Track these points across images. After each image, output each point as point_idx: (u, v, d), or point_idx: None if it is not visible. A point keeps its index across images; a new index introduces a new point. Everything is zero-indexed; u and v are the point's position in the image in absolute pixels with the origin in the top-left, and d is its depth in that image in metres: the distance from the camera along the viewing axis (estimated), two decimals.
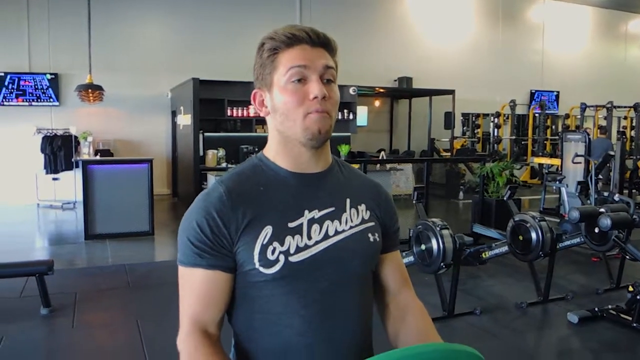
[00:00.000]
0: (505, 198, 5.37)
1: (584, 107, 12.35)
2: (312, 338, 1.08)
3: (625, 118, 13.52)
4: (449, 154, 12.17)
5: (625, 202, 4.64)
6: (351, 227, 1.13)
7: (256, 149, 9.09)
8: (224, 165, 8.95)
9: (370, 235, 1.15)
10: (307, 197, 1.11)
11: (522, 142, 14.05)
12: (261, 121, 9.51)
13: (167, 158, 10.73)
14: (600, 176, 6.65)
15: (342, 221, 1.12)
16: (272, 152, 1.14)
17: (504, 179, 7.74)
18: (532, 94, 14.60)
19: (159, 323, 4.17)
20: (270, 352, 1.09)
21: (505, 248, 5.01)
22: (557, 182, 6.94)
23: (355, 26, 11.57)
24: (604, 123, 12.10)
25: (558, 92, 14.88)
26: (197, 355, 1.03)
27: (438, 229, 4.17)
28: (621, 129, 13.09)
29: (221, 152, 9.13)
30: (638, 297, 4.04)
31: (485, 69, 13.57)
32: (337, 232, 1.11)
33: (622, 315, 4.18)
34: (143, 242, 6.93)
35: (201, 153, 8.81)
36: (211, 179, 7.79)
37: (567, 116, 14.13)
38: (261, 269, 1.05)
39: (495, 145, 13.27)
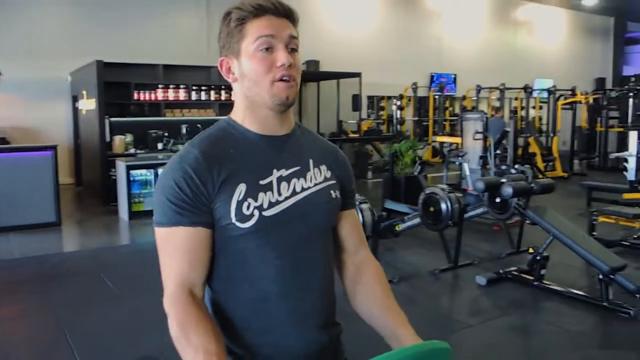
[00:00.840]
0: (416, 173, 5.68)
1: (479, 89, 13.16)
2: (285, 285, 1.16)
3: (516, 99, 14.53)
4: (357, 135, 12.52)
5: (522, 172, 5.07)
6: (315, 185, 1.23)
7: (166, 134, 8.88)
8: (132, 151, 8.66)
9: (332, 192, 1.25)
10: (274, 157, 1.19)
11: (424, 123, 14.73)
12: (170, 105, 9.27)
13: (68, 145, 10.22)
14: (498, 151, 7.16)
15: (307, 179, 1.22)
16: (240, 116, 1.20)
17: (411, 157, 8.14)
18: (431, 77, 15.28)
19: (79, 312, 4.06)
20: (247, 302, 1.16)
21: (417, 220, 5.31)
22: (460, 158, 7.38)
23: None
24: (497, 104, 12.95)
25: (455, 74, 15.68)
26: (188, 319, 1.07)
27: (357, 203, 4.35)
28: (513, 109, 14.05)
29: (129, 138, 8.81)
30: (537, 257, 4.45)
31: (389, 53, 14.03)
32: (303, 189, 1.20)
33: (524, 276, 4.59)
34: (50, 233, 6.61)
35: (107, 139, 8.48)
36: (120, 165, 7.53)
37: (464, 98, 14.96)
38: (237, 223, 1.12)
39: (399, 126, 13.83)
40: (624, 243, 5.59)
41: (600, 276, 4.05)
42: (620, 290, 4.05)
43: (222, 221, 1.13)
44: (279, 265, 1.16)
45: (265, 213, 1.13)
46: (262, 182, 1.15)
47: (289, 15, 1.16)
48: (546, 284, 4.43)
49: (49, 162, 6.81)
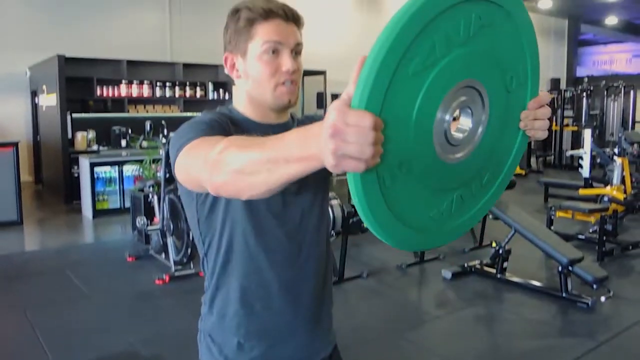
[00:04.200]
0: None
1: None
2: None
3: None
4: None
5: None
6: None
7: (129, 130, 8.76)
8: (94, 147, 8.53)
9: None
10: None
11: None
12: (133, 101, 9.17)
13: (27, 142, 9.94)
14: None
15: None
16: (241, 106, 1.25)
17: None
18: None
19: (48, 310, 4.03)
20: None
21: None
22: None
23: (224, 5, 11.38)
24: None
25: None
26: (237, 142, 0.89)
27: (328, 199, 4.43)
28: None
29: (91, 134, 8.67)
30: (500, 251, 4.62)
31: (353, 50, 14.12)
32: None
33: (487, 269, 4.77)
34: (12, 232, 6.47)
35: (69, 136, 8.32)
36: (84, 162, 7.41)
37: None
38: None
39: None
40: (580, 237, 5.85)
41: (560, 268, 4.24)
42: (578, 281, 4.26)
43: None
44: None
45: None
46: None
47: (296, 21, 1.22)
48: (508, 277, 4.61)
49: (10, 159, 6.66)
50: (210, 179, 0.89)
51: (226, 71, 1.25)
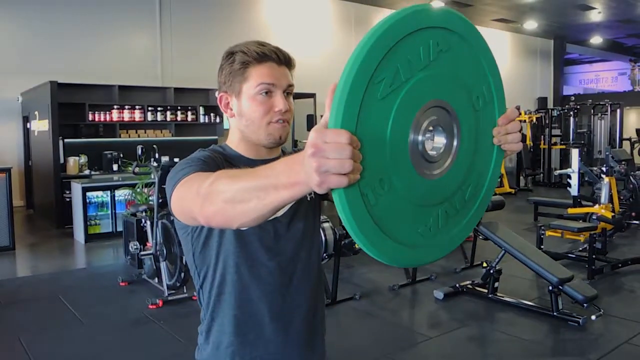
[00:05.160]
0: None
1: None
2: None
3: None
4: None
5: None
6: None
7: (121, 155, 8.80)
8: (86, 172, 8.55)
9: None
10: None
11: None
12: (125, 126, 9.22)
13: (19, 167, 9.94)
14: None
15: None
16: (234, 144, 1.32)
17: None
18: None
19: (42, 337, 4.02)
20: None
21: None
22: None
23: (214, 30, 11.61)
24: None
25: None
26: (227, 173, 0.96)
27: (320, 222, 4.47)
28: None
29: (83, 159, 8.71)
30: (491, 271, 4.68)
31: (340, 73, 14.29)
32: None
33: (479, 289, 4.81)
34: (4, 257, 6.45)
35: (62, 160, 8.34)
36: (76, 187, 7.42)
37: None
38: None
39: None
40: (570, 255, 5.92)
41: (550, 287, 4.29)
42: (569, 300, 4.31)
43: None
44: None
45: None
46: None
47: (288, 64, 1.28)
48: (500, 296, 4.65)
49: (3, 185, 6.66)
50: (202, 209, 0.95)
51: (222, 110, 1.31)
